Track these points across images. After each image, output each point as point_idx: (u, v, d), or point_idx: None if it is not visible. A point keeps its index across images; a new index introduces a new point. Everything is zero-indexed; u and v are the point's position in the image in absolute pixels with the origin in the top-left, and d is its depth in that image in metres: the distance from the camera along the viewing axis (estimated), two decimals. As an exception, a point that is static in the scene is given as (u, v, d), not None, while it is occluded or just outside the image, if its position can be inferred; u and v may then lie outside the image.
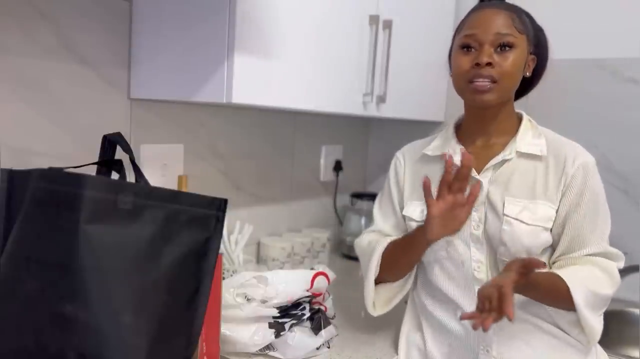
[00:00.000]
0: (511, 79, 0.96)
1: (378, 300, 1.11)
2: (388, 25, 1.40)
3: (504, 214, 0.97)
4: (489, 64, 0.94)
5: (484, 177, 1.00)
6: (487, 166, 1.01)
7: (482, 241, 1.00)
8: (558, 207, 0.97)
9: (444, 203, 0.94)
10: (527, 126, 1.03)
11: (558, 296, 0.93)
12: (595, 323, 0.95)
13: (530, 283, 0.88)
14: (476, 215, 1.00)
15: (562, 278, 0.92)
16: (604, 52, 1.58)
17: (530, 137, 1.01)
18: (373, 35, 1.37)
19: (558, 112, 1.59)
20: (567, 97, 1.61)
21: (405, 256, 1.06)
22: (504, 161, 1.00)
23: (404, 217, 1.10)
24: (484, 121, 1.03)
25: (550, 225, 0.97)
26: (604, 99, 1.58)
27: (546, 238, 0.97)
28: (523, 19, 0.98)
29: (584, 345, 0.99)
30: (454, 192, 0.94)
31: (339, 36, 1.27)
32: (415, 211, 1.07)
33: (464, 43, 0.98)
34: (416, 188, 1.09)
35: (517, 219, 0.96)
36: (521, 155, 1.00)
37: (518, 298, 0.98)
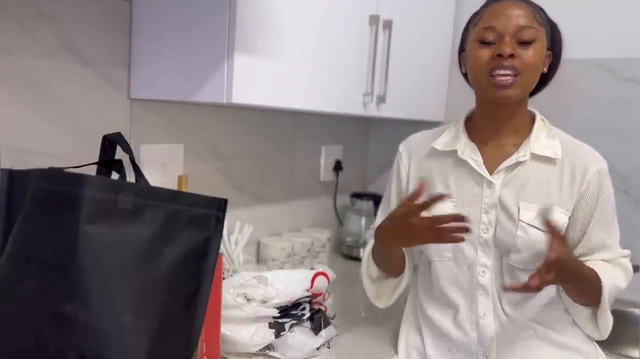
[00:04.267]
0: (534, 72, 0.93)
1: (383, 293, 1.13)
2: (388, 25, 1.40)
3: (519, 220, 0.95)
4: (511, 55, 0.89)
5: (497, 179, 0.98)
6: (500, 167, 0.98)
7: (490, 245, 0.98)
8: (572, 214, 0.96)
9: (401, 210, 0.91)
10: (540, 125, 1.00)
11: (592, 288, 0.93)
12: (610, 315, 0.96)
13: (580, 272, 0.90)
14: (486, 218, 0.98)
15: (596, 272, 0.93)
16: (605, 53, 1.58)
17: (544, 138, 0.98)
18: (373, 35, 1.37)
19: (559, 112, 1.59)
20: (568, 97, 1.61)
21: (382, 257, 1.07)
22: (517, 163, 0.97)
23: None
24: (497, 118, 0.99)
25: (562, 232, 0.95)
26: (605, 99, 1.58)
27: None
28: (541, 13, 0.95)
29: (596, 338, 1.00)
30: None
31: (339, 36, 1.27)
32: None
33: (482, 36, 0.93)
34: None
35: (532, 226, 0.94)
36: (535, 157, 0.97)
37: (516, 303, 0.99)
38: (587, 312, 0.97)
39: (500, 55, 0.90)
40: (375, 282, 1.14)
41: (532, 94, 1.03)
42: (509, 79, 0.90)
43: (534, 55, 0.91)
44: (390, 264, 1.08)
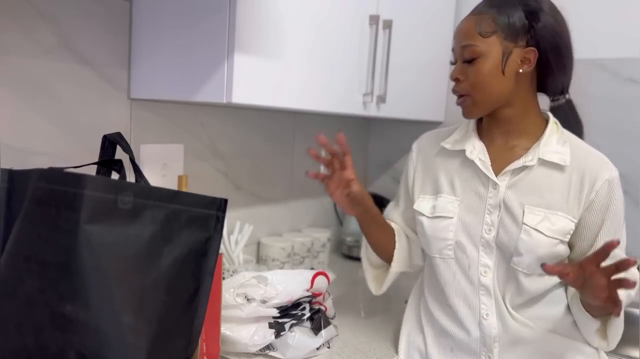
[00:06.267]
0: (482, 89, 0.95)
1: (377, 280, 1.18)
2: (388, 25, 1.40)
3: (523, 223, 0.94)
4: (457, 79, 0.97)
5: (502, 181, 0.97)
6: (506, 169, 0.97)
7: (492, 246, 0.98)
8: (578, 221, 0.95)
9: (331, 180, 1.04)
10: (552, 129, 0.98)
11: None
12: (621, 325, 0.95)
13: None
14: (489, 218, 0.98)
15: None
16: (605, 52, 1.58)
17: (554, 143, 0.97)
18: (373, 35, 1.37)
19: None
20: (567, 97, 1.61)
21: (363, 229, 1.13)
22: (524, 167, 0.97)
23: (414, 211, 1.08)
24: (499, 122, 1.00)
25: (567, 239, 0.95)
26: (605, 99, 1.58)
27: (561, 251, 0.95)
28: (500, 14, 0.92)
29: (603, 350, 0.99)
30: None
31: (339, 36, 1.27)
32: (427, 206, 1.05)
33: (450, 58, 1.01)
34: (428, 182, 1.08)
35: (536, 230, 0.93)
36: (543, 162, 0.96)
37: (518, 304, 0.99)
38: (596, 325, 0.95)
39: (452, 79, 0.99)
40: (370, 266, 1.20)
41: (543, 89, 1.01)
42: (461, 100, 0.98)
43: (477, 73, 0.94)
44: (369, 238, 1.14)
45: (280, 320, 1.03)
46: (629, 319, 1.45)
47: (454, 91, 0.99)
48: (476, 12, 0.96)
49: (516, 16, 0.93)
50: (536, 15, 0.93)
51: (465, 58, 0.95)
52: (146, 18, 1.13)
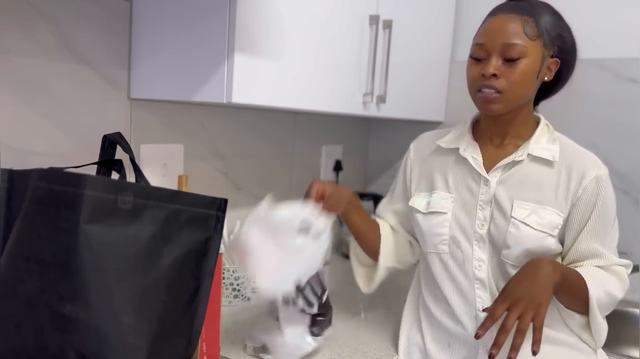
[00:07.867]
0: (518, 89, 0.94)
1: (366, 278, 1.20)
2: (388, 25, 1.40)
3: (511, 217, 0.96)
4: (494, 75, 0.93)
5: (493, 177, 1.00)
6: (497, 165, 1.00)
7: (485, 240, 1.00)
8: (567, 217, 0.97)
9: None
10: (543, 130, 1.01)
11: (579, 294, 0.94)
12: (603, 323, 0.97)
13: (565, 283, 0.92)
14: (482, 214, 1.00)
15: (584, 281, 0.94)
16: (605, 52, 1.58)
17: (544, 141, 1.00)
18: (373, 35, 1.37)
19: (559, 112, 1.59)
20: (567, 97, 1.60)
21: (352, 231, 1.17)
22: (514, 163, 0.99)
23: (410, 208, 1.10)
24: (497, 124, 1.02)
25: (555, 233, 0.96)
26: (605, 99, 1.58)
27: (550, 244, 0.97)
28: (540, 21, 0.93)
29: (592, 348, 1.00)
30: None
31: (339, 36, 1.27)
32: (422, 203, 1.07)
33: (473, 53, 0.97)
34: (424, 180, 1.10)
35: (524, 223, 0.95)
36: (533, 158, 0.99)
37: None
38: (581, 320, 0.98)
39: (484, 75, 0.93)
40: (359, 264, 1.22)
41: (540, 99, 1.05)
42: (492, 94, 0.94)
43: (519, 73, 0.92)
44: (355, 227, 1.16)
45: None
46: (629, 319, 1.45)
47: (486, 85, 0.94)
48: (515, 13, 0.93)
49: (552, 26, 0.95)
50: (567, 33, 0.98)
51: (509, 56, 0.92)
52: (146, 18, 1.13)
